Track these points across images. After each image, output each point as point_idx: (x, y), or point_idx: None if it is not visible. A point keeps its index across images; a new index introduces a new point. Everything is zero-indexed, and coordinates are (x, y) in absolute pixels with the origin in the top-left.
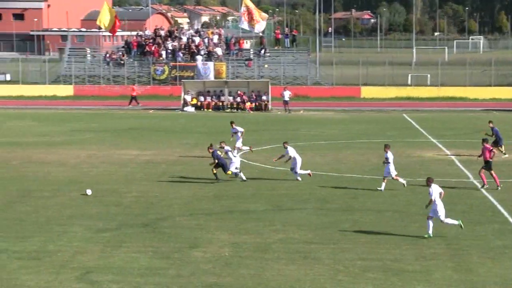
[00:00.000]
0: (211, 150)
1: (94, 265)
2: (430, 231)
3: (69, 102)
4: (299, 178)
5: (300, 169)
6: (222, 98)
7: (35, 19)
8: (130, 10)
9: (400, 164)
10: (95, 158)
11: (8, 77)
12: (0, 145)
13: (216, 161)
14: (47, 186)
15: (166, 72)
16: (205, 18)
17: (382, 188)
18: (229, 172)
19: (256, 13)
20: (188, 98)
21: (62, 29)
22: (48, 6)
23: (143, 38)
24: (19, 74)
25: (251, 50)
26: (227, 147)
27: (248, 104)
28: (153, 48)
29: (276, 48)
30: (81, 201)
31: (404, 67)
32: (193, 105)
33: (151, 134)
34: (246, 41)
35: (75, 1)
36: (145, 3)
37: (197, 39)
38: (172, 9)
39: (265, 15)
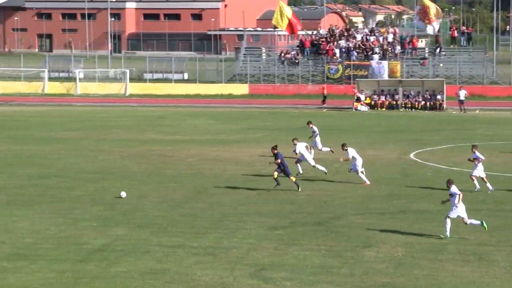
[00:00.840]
0: (275, 151)
1: (267, 262)
2: (448, 232)
3: (244, 101)
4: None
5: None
6: (396, 97)
7: (213, 19)
8: (305, 10)
9: None
10: (269, 156)
11: (185, 76)
12: (178, 143)
13: (279, 160)
14: (222, 183)
15: (340, 71)
16: (380, 17)
17: None
18: (293, 178)
19: (432, 11)
20: (362, 97)
21: (238, 29)
22: (225, 6)
23: (317, 37)
24: (196, 73)
25: (426, 48)
26: (299, 144)
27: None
28: (327, 47)
29: (451, 46)
30: (255, 199)
31: None
32: (367, 104)
33: (324, 133)
34: (421, 40)
35: (251, 0)
36: (320, 2)
37: (371, 38)
38: (347, 8)
39: (441, 12)
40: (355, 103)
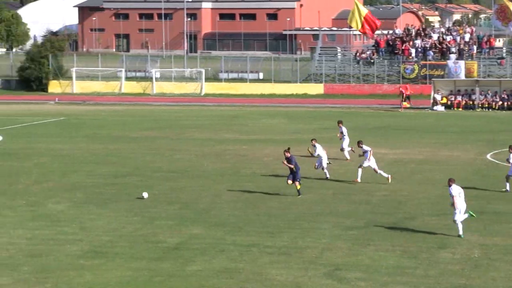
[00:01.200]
0: (288, 154)
1: (342, 262)
2: (461, 232)
3: (319, 101)
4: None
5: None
6: (473, 97)
7: (288, 19)
8: (380, 9)
9: None
10: (342, 156)
11: (261, 76)
12: (253, 142)
13: (293, 165)
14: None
15: (416, 71)
16: (456, 16)
17: None
18: (298, 186)
19: (510, 11)
20: (438, 97)
21: (314, 28)
22: (301, 6)
23: (393, 37)
24: (271, 72)
25: (504, 48)
26: (317, 145)
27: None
28: (403, 47)
29: None
30: (330, 199)
31: None
32: (443, 104)
33: (399, 132)
34: (499, 39)
35: (326, 0)
36: (396, 1)
37: (448, 37)
38: (423, 7)
39: None
40: (403, 103)
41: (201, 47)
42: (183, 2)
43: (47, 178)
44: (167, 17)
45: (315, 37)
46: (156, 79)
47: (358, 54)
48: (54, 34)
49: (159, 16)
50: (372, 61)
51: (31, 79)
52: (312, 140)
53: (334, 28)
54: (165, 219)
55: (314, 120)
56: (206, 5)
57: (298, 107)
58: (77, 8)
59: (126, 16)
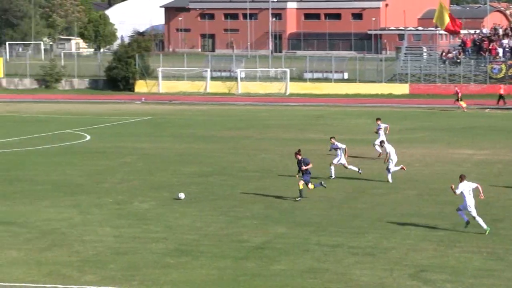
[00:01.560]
0: (299, 157)
1: (427, 264)
2: (465, 219)
3: (404, 101)
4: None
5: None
6: None
7: (373, 18)
8: (467, 8)
9: None
10: (428, 156)
11: (346, 76)
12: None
13: (309, 165)
14: (382, 184)
15: (503, 71)
16: None
17: None
18: (301, 186)
19: None
20: None
21: (399, 28)
22: (386, 5)
23: (480, 36)
24: (356, 72)
25: None
26: (337, 143)
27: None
28: (490, 46)
29: None
30: (415, 199)
31: None
32: None
33: (486, 133)
34: None
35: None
36: (483, 1)
37: None
38: (511, 6)
39: None
40: (460, 102)
41: (286, 47)
42: (268, 2)
43: (133, 176)
44: (252, 17)
45: (401, 36)
46: (241, 79)
47: (444, 54)
48: (141, 34)
49: (244, 16)
50: (458, 61)
51: (118, 79)
52: (331, 138)
53: (420, 28)
54: (250, 218)
55: (399, 120)
56: (291, 5)
57: (383, 107)
58: (163, 9)
59: (211, 16)
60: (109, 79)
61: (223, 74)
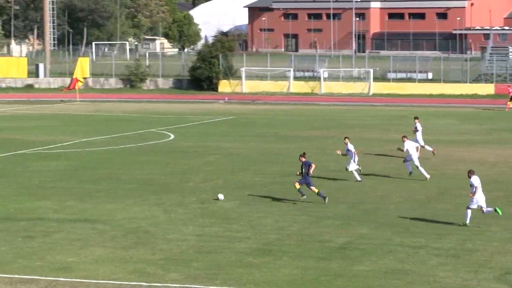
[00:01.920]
0: (303, 159)
1: None
2: (468, 220)
3: (490, 101)
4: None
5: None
6: None
7: (458, 18)
8: None
9: None
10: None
11: (430, 76)
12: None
13: (313, 166)
14: (466, 185)
15: None
16: None
17: None
18: (297, 185)
19: None
20: None
21: (485, 28)
22: (471, 4)
23: None
24: (440, 72)
25: None
26: (350, 145)
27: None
28: None
29: None
30: (500, 202)
31: None
32: None
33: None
34: None
35: None
36: None
37: None
38: None
39: None
40: (508, 102)
41: (369, 46)
42: (351, 2)
43: (216, 176)
44: (336, 17)
45: (486, 36)
46: (324, 79)
47: None
48: (225, 34)
49: (328, 16)
50: None
51: (201, 78)
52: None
53: (506, 28)
54: (332, 218)
55: (484, 120)
56: (375, 4)
57: (468, 107)
58: (247, 9)
59: (295, 16)
60: (193, 79)
61: (306, 74)
